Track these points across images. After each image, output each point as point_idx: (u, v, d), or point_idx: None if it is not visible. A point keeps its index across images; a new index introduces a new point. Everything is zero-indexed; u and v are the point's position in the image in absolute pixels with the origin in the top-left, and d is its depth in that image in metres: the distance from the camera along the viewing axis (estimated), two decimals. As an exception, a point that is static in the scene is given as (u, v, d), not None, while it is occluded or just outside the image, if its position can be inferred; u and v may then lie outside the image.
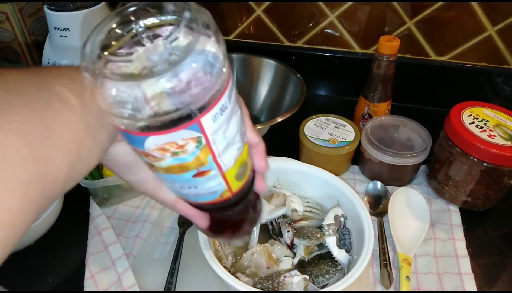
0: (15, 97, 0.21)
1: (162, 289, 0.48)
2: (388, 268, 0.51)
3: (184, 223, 0.56)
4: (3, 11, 0.75)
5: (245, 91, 0.79)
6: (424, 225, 0.56)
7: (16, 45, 0.79)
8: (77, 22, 0.69)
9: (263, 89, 0.78)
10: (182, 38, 0.21)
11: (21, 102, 0.21)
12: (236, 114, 0.26)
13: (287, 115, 0.62)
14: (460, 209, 0.59)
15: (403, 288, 0.49)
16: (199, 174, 0.26)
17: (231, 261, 0.49)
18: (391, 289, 0.49)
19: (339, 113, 0.68)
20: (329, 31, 0.79)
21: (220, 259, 0.46)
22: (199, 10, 0.23)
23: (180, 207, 0.33)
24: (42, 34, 0.81)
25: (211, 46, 0.22)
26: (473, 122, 0.56)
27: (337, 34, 0.79)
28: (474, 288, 0.49)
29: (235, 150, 0.27)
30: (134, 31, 0.23)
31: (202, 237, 0.45)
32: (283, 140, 0.66)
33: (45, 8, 0.69)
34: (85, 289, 0.49)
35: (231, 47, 0.81)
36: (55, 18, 0.68)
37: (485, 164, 0.53)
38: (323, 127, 0.65)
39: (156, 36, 0.23)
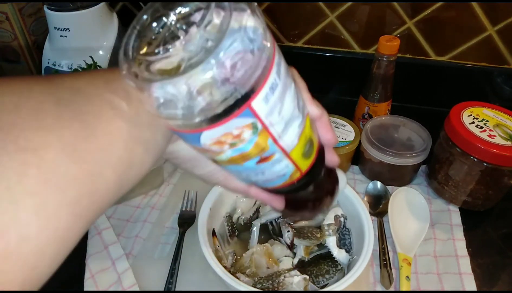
0: (66, 110, 0.21)
1: (162, 289, 0.48)
2: (388, 268, 0.51)
3: (184, 223, 0.56)
4: (3, 11, 0.75)
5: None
6: (424, 225, 0.56)
7: (16, 45, 0.79)
8: (77, 22, 0.69)
9: (263, 89, 0.78)
10: (216, 20, 0.20)
11: (72, 115, 0.21)
12: (289, 89, 0.24)
13: (287, 115, 0.62)
14: (460, 209, 0.59)
15: (403, 288, 0.49)
16: (263, 160, 0.25)
17: (231, 261, 0.49)
18: (391, 289, 0.49)
19: (339, 113, 0.68)
20: (329, 31, 0.79)
21: (220, 259, 0.46)
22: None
23: (253, 192, 0.32)
24: (42, 34, 0.81)
25: (248, 21, 0.20)
26: (473, 122, 0.56)
27: (337, 34, 0.79)
28: (474, 288, 0.49)
29: (296, 127, 0.25)
30: (166, 25, 0.22)
31: (202, 237, 0.46)
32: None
33: (45, 8, 0.69)
34: (85, 289, 0.49)
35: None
36: (55, 18, 0.68)
37: (485, 164, 0.53)
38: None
39: (190, 24, 0.21)
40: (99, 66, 0.60)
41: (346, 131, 0.64)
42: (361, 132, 0.64)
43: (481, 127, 0.55)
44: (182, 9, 0.22)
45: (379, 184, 0.62)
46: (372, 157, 0.62)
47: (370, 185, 0.63)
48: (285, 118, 0.23)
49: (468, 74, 0.77)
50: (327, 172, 0.33)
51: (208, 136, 0.22)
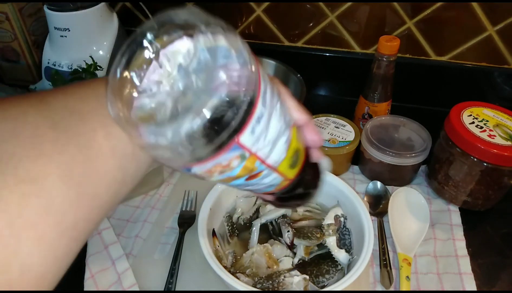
0: (61, 134, 0.21)
1: (162, 289, 0.48)
2: (388, 268, 0.51)
3: (184, 223, 0.56)
4: (3, 11, 0.75)
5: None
6: (424, 225, 0.56)
7: (16, 45, 0.79)
8: (77, 22, 0.69)
9: (263, 89, 0.78)
10: (201, 52, 0.21)
11: (67, 138, 0.21)
12: (275, 111, 0.24)
13: (287, 115, 0.62)
14: (460, 209, 0.59)
15: (403, 288, 0.49)
16: (251, 177, 0.26)
17: (231, 261, 0.49)
18: (391, 289, 0.49)
19: (339, 113, 0.68)
20: (329, 31, 0.79)
21: (220, 259, 0.46)
22: (209, 19, 0.22)
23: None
24: (42, 34, 0.81)
25: (234, 60, 0.21)
26: (473, 122, 0.56)
27: (337, 34, 0.79)
28: (474, 288, 0.49)
29: (283, 144, 0.25)
30: (149, 56, 0.22)
31: (202, 237, 0.46)
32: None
33: (45, 8, 0.69)
34: (85, 289, 0.49)
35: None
36: (55, 18, 0.68)
37: (485, 164, 0.53)
38: (323, 127, 0.65)
39: (177, 58, 0.21)
40: (99, 66, 0.60)
41: (346, 131, 0.64)
42: (361, 132, 0.64)
43: (481, 127, 0.55)
44: (167, 39, 0.22)
45: (379, 184, 0.62)
46: (372, 157, 0.62)
47: (370, 185, 0.63)
48: (272, 140, 0.24)
49: (468, 74, 0.77)
50: (313, 169, 0.34)
51: (198, 169, 0.23)
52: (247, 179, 0.26)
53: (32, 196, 0.19)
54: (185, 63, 0.21)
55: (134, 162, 0.24)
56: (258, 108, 0.22)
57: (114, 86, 0.22)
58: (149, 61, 0.22)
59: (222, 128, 0.20)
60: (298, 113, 0.30)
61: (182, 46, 0.21)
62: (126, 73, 0.22)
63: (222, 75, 0.20)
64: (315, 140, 0.32)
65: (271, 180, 0.27)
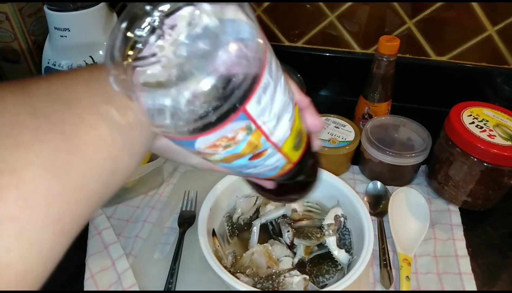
0: (43, 121, 0.20)
1: (162, 289, 0.48)
2: (388, 268, 0.51)
3: (184, 223, 0.56)
4: (3, 11, 0.75)
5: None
6: (424, 225, 0.56)
7: (16, 45, 0.79)
8: (77, 22, 0.69)
9: (263, 89, 0.78)
10: (206, 18, 0.19)
11: (50, 127, 0.20)
12: (280, 84, 0.23)
13: (287, 115, 0.62)
14: (460, 209, 0.59)
15: (403, 288, 0.49)
16: (255, 156, 0.25)
17: (231, 261, 0.49)
18: (391, 289, 0.49)
19: (339, 113, 0.68)
20: (329, 31, 0.79)
21: (220, 259, 0.46)
22: None
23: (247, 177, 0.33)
24: (42, 34, 0.81)
25: (240, 22, 0.20)
26: (473, 122, 0.56)
27: (337, 34, 0.79)
28: (474, 288, 0.49)
29: (287, 121, 0.25)
30: (153, 25, 0.21)
31: (202, 237, 0.46)
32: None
33: (45, 8, 0.69)
34: (85, 289, 0.49)
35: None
36: (55, 18, 0.68)
37: (485, 164, 0.53)
38: (323, 127, 0.65)
39: (179, 23, 0.20)
40: (99, 66, 0.60)
41: (346, 131, 0.64)
42: (361, 132, 0.64)
43: (481, 127, 0.55)
44: (170, 7, 0.21)
45: (379, 184, 0.62)
46: (372, 157, 0.62)
47: (370, 185, 0.63)
48: (277, 114, 0.23)
49: (468, 74, 0.77)
50: (313, 157, 0.34)
51: (203, 141, 0.22)
52: (250, 158, 0.25)
53: (11, 188, 0.18)
54: (190, 29, 0.20)
55: (127, 149, 0.23)
56: (265, 77, 0.21)
57: (115, 50, 0.20)
58: (151, 27, 0.21)
59: (228, 94, 0.19)
60: (300, 96, 0.29)
61: (187, 13, 0.20)
62: (129, 34, 0.21)
63: (230, 40, 0.19)
64: (316, 124, 0.31)
65: (275, 161, 0.27)
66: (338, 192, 0.53)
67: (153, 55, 0.20)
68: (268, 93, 0.22)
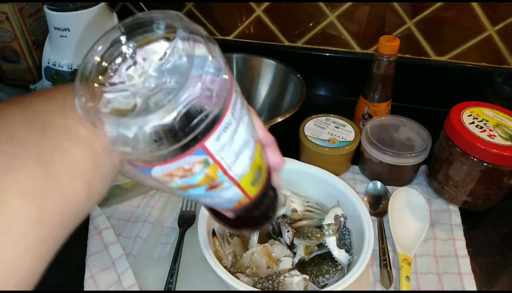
0: (20, 147, 0.20)
1: (162, 289, 0.48)
2: (388, 268, 0.51)
3: (184, 223, 0.56)
4: (3, 11, 0.75)
5: (245, 91, 0.79)
6: (424, 225, 0.56)
7: (16, 45, 0.79)
8: (77, 22, 0.69)
9: (263, 89, 0.78)
10: (177, 55, 0.21)
11: (27, 152, 0.20)
12: (242, 122, 0.24)
13: (287, 115, 0.62)
14: (460, 209, 0.59)
15: (403, 288, 0.49)
16: (212, 187, 0.25)
17: (231, 261, 0.49)
18: (391, 289, 0.49)
19: (339, 113, 0.68)
20: (329, 31, 0.79)
21: (220, 259, 0.46)
22: (189, 24, 0.21)
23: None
24: (42, 34, 0.81)
25: (209, 62, 0.21)
26: (473, 122, 0.56)
27: (337, 34, 0.79)
28: (474, 288, 0.49)
29: (247, 158, 0.25)
30: (125, 53, 0.22)
31: (202, 237, 0.45)
32: (283, 140, 0.65)
33: (45, 8, 0.69)
34: (85, 289, 0.49)
35: (231, 47, 0.81)
36: (55, 18, 0.68)
37: (485, 164, 0.53)
38: (323, 127, 0.65)
39: (150, 55, 0.21)
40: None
41: (346, 131, 0.64)
42: (361, 132, 0.64)
43: (481, 127, 0.55)
44: (144, 38, 0.22)
45: (379, 184, 0.62)
46: (372, 157, 0.62)
47: (370, 185, 0.63)
48: (237, 150, 0.24)
49: (468, 74, 0.77)
50: (273, 194, 0.33)
51: (160, 170, 0.23)
52: (207, 189, 0.25)
53: None
54: (160, 64, 0.21)
55: (98, 172, 0.23)
56: (227, 117, 0.22)
57: (85, 74, 0.21)
58: (124, 56, 0.22)
59: (189, 130, 0.20)
60: (263, 133, 0.30)
61: (159, 47, 0.21)
62: (99, 61, 0.21)
63: (196, 79, 0.20)
64: (278, 162, 0.32)
65: (232, 195, 0.27)
66: (338, 192, 0.53)
67: (122, 83, 0.21)
68: (229, 132, 0.23)
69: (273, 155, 0.32)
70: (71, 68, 0.71)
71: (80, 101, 0.21)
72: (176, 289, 0.48)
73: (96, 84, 0.21)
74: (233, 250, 0.50)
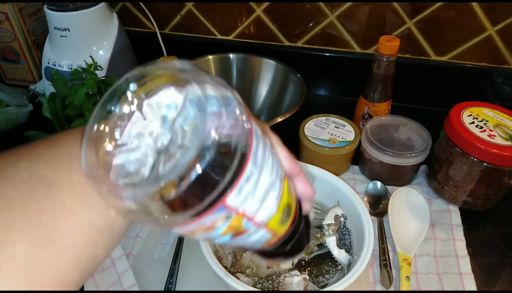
0: (19, 215, 0.19)
1: (162, 289, 0.48)
2: (388, 268, 0.51)
3: (184, 223, 0.56)
4: (3, 11, 0.75)
5: (245, 91, 0.79)
6: (424, 225, 0.56)
7: (16, 45, 0.79)
8: (77, 22, 0.69)
9: (263, 89, 0.78)
10: (190, 107, 0.18)
11: (26, 221, 0.19)
12: (266, 166, 0.21)
13: (287, 115, 0.62)
14: (460, 209, 0.59)
15: (403, 288, 0.49)
16: (237, 234, 0.23)
17: (231, 261, 0.49)
18: (391, 289, 0.49)
19: (339, 113, 0.68)
20: (329, 31, 0.79)
21: (220, 259, 0.46)
22: (198, 71, 0.19)
23: None
24: (42, 34, 0.81)
25: (225, 118, 0.18)
26: (473, 122, 0.56)
27: (337, 34, 0.79)
28: (474, 288, 0.49)
29: (273, 200, 0.23)
30: (133, 105, 0.20)
31: (202, 237, 0.45)
32: (283, 140, 0.66)
33: (45, 8, 0.69)
34: (85, 289, 0.49)
35: (231, 47, 0.81)
36: (55, 18, 0.68)
37: (485, 164, 0.53)
38: (323, 127, 0.65)
39: (158, 105, 0.19)
40: (99, 66, 0.60)
41: (346, 131, 0.64)
42: (361, 132, 0.64)
43: (481, 127, 0.55)
44: (155, 90, 0.20)
45: (379, 184, 0.62)
46: (372, 157, 0.62)
47: (370, 185, 0.63)
48: (261, 197, 0.22)
49: (468, 74, 0.77)
50: (304, 223, 0.32)
51: (179, 231, 0.21)
52: (232, 237, 0.23)
53: None
54: (170, 116, 0.19)
55: (107, 233, 0.22)
56: (248, 168, 0.20)
57: (91, 141, 0.19)
58: (131, 112, 0.20)
59: (207, 193, 0.18)
60: (290, 164, 0.28)
61: (168, 98, 0.19)
62: (104, 126, 0.19)
63: (211, 133, 0.17)
64: (308, 193, 0.30)
65: (259, 237, 0.25)
66: (338, 192, 0.53)
67: (130, 145, 0.19)
68: (252, 182, 0.20)
69: (302, 185, 0.29)
70: (71, 68, 0.71)
71: (88, 171, 0.19)
72: (176, 289, 0.48)
73: (103, 148, 0.19)
74: (233, 250, 0.50)
